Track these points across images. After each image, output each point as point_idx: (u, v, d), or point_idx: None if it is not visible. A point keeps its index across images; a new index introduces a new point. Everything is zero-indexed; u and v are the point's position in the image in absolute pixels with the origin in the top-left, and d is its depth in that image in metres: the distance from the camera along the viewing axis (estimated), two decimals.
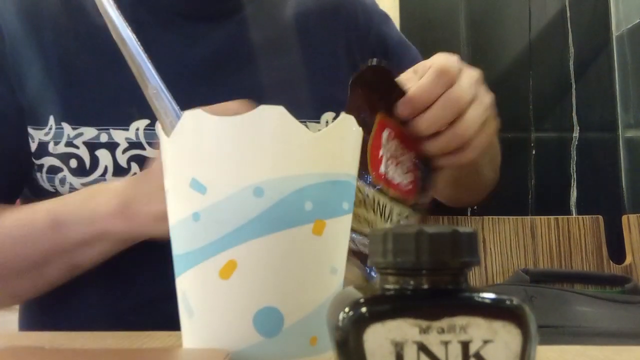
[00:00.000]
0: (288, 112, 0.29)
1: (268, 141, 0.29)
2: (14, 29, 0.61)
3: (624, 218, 0.82)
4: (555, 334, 0.61)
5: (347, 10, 0.74)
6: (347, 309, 0.21)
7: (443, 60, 0.50)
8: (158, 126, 0.33)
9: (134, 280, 0.59)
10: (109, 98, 0.60)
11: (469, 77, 0.50)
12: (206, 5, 0.67)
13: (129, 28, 0.33)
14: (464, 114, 0.49)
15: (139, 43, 0.33)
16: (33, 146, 0.61)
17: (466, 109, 0.49)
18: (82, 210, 0.53)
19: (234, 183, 0.29)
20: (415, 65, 0.53)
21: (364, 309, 0.21)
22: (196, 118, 0.30)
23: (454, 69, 0.49)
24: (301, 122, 0.30)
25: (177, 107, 0.33)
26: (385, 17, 0.80)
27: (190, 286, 0.30)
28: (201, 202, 0.29)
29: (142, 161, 0.59)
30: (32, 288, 0.57)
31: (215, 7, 0.67)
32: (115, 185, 0.53)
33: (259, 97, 0.64)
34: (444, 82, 0.48)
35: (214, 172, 0.29)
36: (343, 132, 0.31)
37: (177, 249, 0.31)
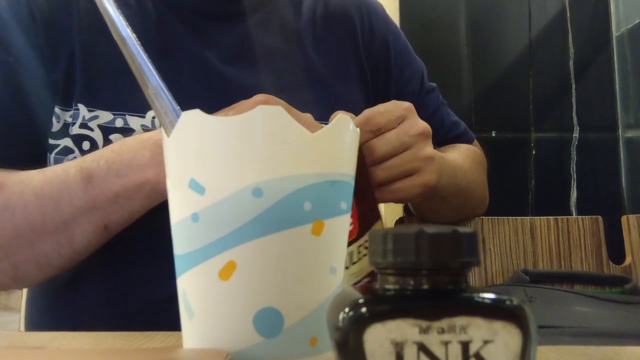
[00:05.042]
0: (286, 112, 0.29)
1: (266, 141, 0.29)
2: (43, 11, 0.62)
3: (624, 218, 0.82)
4: (555, 334, 0.61)
5: (354, 17, 0.76)
6: (347, 309, 0.21)
7: (379, 107, 0.50)
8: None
9: (141, 281, 0.59)
10: (127, 84, 0.59)
11: (400, 129, 0.50)
12: (223, 5, 0.69)
13: (129, 27, 0.33)
14: (382, 159, 0.49)
15: (139, 42, 0.33)
16: (57, 126, 0.61)
17: (388, 155, 0.50)
18: (116, 164, 0.51)
19: (232, 183, 0.29)
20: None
21: (364, 309, 0.21)
22: (194, 118, 0.30)
23: (382, 119, 0.49)
24: None
25: (177, 107, 0.33)
26: (393, 26, 0.81)
27: (190, 287, 0.30)
28: (200, 202, 0.29)
29: None
30: (57, 255, 0.54)
31: (231, 7, 0.69)
32: (147, 135, 0.52)
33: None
34: (365, 130, 0.48)
35: (212, 172, 0.29)
36: (340, 132, 0.31)
37: (177, 249, 0.31)
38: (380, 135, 0.49)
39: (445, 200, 0.66)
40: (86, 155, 0.54)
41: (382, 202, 0.52)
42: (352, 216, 0.46)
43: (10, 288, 0.60)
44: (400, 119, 0.51)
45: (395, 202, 0.55)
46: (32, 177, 0.55)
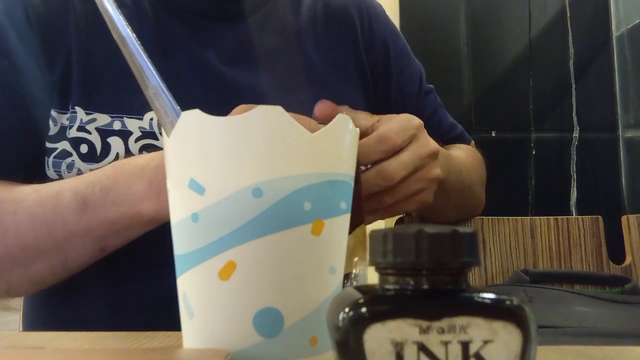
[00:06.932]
0: (286, 112, 0.29)
1: (266, 141, 0.29)
2: (40, 13, 0.62)
3: (624, 218, 0.82)
4: (555, 334, 0.61)
5: (354, 17, 0.76)
6: (347, 309, 0.21)
7: (394, 125, 0.49)
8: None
9: (141, 281, 0.58)
10: (124, 87, 0.59)
11: (414, 152, 0.49)
12: (222, 5, 0.69)
13: (129, 27, 0.33)
14: (393, 184, 0.48)
15: (139, 43, 0.33)
16: (54, 129, 0.61)
17: (398, 179, 0.48)
18: (112, 192, 0.50)
19: (232, 183, 0.29)
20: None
21: (364, 309, 0.21)
22: (194, 118, 0.30)
23: (398, 139, 0.48)
24: None
25: (177, 107, 0.33)
26: (392, 27, 0.81)
27: (190, 287, 0.30)
28: (200, 202, 0.29)
29: (154, 150, 0.59)
30: (50, 274, 0.55)
31: (230, 8, 0.69)
32: (144, 161, 0.51)
33: (269, 98, 0.66)
34: (381, 150, 0.47)
35: (212, 172, 0.29)
36: (339, 132, 0.31)
37: (178, 249, 0.31)
38: (393, 156, 0.48)
39: (450, 197, 0.66)
40: (80, 178, 0.54)
41: (380, 219, 0.51)
42: None
43: (2, 298, 0.60)
44: (412, 137, 0.49)
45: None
46: (26, 196, 0.55)
